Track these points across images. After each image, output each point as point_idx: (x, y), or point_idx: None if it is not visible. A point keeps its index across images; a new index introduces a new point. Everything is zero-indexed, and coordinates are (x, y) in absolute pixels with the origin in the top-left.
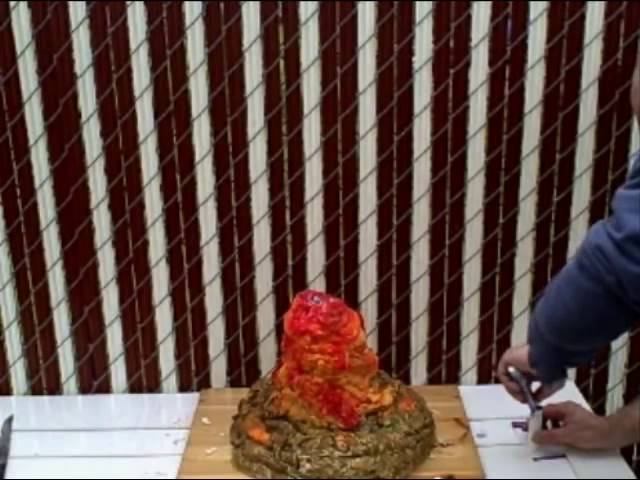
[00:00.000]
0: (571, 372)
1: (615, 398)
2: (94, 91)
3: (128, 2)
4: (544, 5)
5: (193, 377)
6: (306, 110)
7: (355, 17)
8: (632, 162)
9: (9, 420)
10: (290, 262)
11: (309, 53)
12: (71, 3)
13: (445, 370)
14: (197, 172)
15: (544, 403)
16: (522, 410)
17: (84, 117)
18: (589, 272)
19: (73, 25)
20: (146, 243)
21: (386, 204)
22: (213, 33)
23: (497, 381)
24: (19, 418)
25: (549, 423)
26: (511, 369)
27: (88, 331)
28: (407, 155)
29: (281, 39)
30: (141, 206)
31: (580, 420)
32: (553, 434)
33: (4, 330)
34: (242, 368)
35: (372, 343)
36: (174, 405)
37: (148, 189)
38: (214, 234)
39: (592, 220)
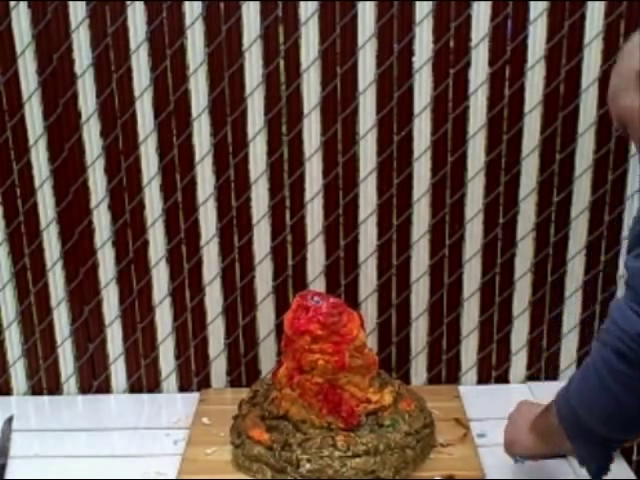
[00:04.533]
0: (571, 372)
1: None
2: (94, 91)
3: (128, 2)
4: (544, 5)
5: (193, 377)
6: (306, 110)
7: (355, 17)
8: (632, 224)
9: (9, 420)
10: (290, 262)
11: (309, 53)
12: (71, 3)
13: (445, 370)
14: (197, 172)
15: None
16: None
17: (84, 117)
18: (632, 360)
19: (73, 25)
20: (146, 243)
21: (386, 204)
22: (213, 33)
23: (497, 381)
24: (19, 418)
25: None
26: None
27: (88, 331)
28: (407, 155)
29: (281, 39)
30: (141, 206)
31: None
32: None
33: (4, 330)
34: (242, 368)
35: (372, 343)
36: (174, 405)
37: (148, 189)
38: (214, 234)
39: (592, 220)
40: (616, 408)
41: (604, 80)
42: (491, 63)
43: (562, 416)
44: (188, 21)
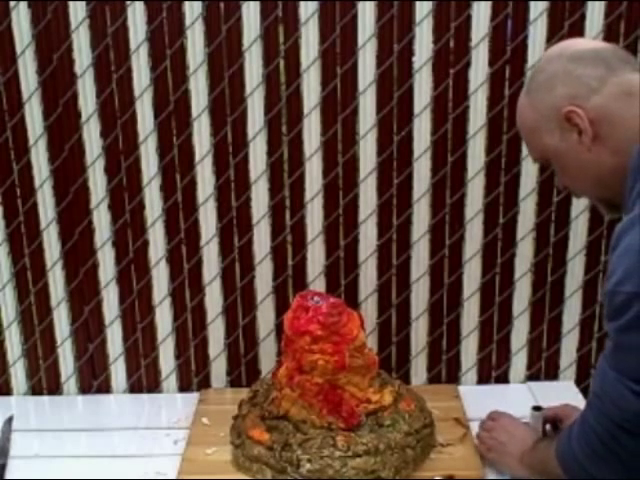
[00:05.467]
0: (571, 372)
1: None
2: (94, 91)
3: (128, 2)
4: (544, 5)
5: (193, 377)
6: (306, 110)
7: (355, 17)
8: (609, 288)
9: (9, 420)
10: (290, 262)
11: (309, 53)
12: (71, 3)
13: (445, 370)
14: (197, 172)
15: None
16: (522, 411)
17: (84, 117)
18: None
19: (73, 25)
20: (146, 243)
21: (386, 204)
22: (213, 33)
23: (497, 381)
24: (19, 418)
25: (548, 426)
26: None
27: (88, 331)
28: (407, 155)
29: (281, 39)
30: (141, 206)
31: None
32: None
33: (4, 330)
34: (242, 368)
35: (372, 343)
36: (174, 405)
37: (148, 189)
38: (214, 234)
39: (592, 220)
40: (632, 469)
41: None
42: (491, 63)
43: (571, 473)
44: (188, 21)
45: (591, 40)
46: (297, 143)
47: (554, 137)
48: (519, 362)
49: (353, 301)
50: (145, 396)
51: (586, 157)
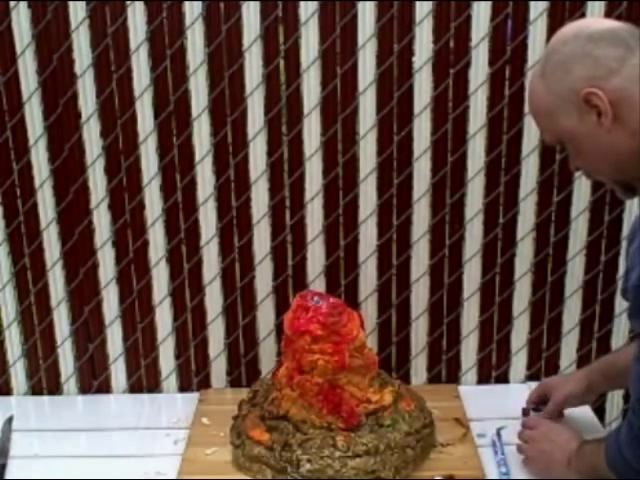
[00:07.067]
0: (571, 372)
1: (615, 398)
2: (94, 91)
3: (128, 2)
4: (544, 5)
5: (193, 377)
6: (306, 110)
7: (355, 17)
8: (634, 283)
9: (9, 420)
10: (290, 262)
11: (309, 53)
12: (71, 3)
13: (445, 370)
14: (197, 172)
15: None
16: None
17: (84, 117)
18: None
19: (73, 25)
20: (146, 243)
21: (386, 204)
22: (213, 33)
23: (497, 381)
24: (19, 418)
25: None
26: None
27: (88, 331)
28: (407, 155)
29: (281, 39)
30: (141, 206)
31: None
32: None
33: (4, 330)
34: (242, 368)
35: (372, 343)
36: (174, 405)
37: (148, 189)
38: (214, 234)
39: (592, 220)
40: None
41: None
42: (491, 63)
43: (619, 473)
44: (188, 21)
45: (604, 19)
46: (297, 143)
47: (571, 119)
48: (519, 362)
49: (353, 301)
50: (145, 396)
51: (604, 139)
